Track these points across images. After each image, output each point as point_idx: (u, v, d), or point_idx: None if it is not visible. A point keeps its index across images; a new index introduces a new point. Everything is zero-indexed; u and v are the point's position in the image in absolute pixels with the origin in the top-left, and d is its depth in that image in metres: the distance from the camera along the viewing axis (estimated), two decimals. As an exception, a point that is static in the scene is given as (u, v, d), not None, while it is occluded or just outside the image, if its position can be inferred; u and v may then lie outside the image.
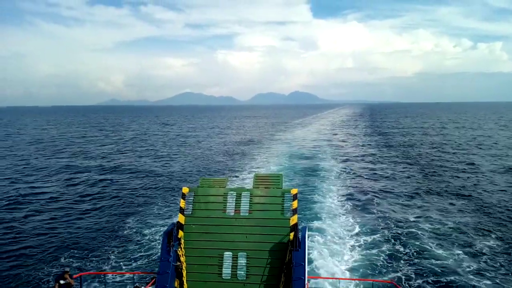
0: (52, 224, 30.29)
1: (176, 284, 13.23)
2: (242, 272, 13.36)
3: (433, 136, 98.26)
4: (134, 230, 28.40)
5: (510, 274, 21.07)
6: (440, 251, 24.10)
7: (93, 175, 49.91)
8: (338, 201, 35.30)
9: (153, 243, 25.40)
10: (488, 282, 20.24)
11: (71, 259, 23.40)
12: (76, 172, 51.79)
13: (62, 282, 14.67)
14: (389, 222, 29.70)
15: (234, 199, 14.47)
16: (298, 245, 12.71)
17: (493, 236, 26.77)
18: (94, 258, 23.47)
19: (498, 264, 22.33)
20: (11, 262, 23.48)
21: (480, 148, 73.36)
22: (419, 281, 20.44)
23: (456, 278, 20.68)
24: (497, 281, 20.34)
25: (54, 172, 52.13)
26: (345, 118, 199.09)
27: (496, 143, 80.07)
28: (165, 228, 16.08)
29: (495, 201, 35.48)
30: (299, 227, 13.56)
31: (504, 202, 35.11)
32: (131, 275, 19.96)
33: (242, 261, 13.48)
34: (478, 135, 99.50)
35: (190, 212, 14.36)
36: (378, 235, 26.71)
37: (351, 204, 34.48)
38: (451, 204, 34.93)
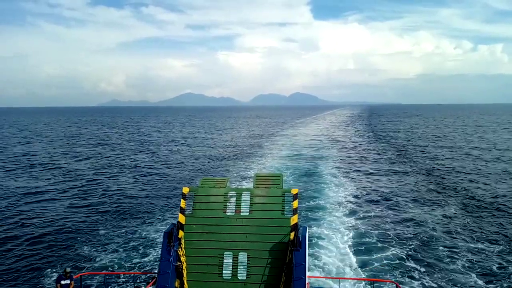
0: (52, 224, 30.24)
1: (176, 284, 13.22)
2: (243, 272, 13.34)
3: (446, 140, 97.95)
4: (135, 230, 28.36)
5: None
6: (445, 253, 23.86)
7: (93, 175, 49.83)
8: (339, 200, 35.21)
9: (153, 243, 25.37)
10: (492, 284, 20.10)
11: (71, 259, 23.36)
12: (76, 172, 51.72)
13: (63, 282, 14.72)
14: (391, 221, 29.63)
15: (235, 199, 14.46)
16: (298, 245, 12.70)
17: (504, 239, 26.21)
18: (94, 258, 23.44)
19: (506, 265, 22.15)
20: (11, 262, 23.43)
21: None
22: (422, 281, 20.23)
23: (461, 278, 20.52)
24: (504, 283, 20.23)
25: (53, 171, 52.12)
26: (345, 118, 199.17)
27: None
28: (166, 228, 16.08)
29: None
30: (300, 227, 13.55)
31: None
32: (132, 275, 19.95)
33: (242, 261, 13.46)
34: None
35: (191, 212, 14.35)
36: (380, 235, 26.61)
37: (352, 203, 34.39)
38: (458, 204, 34.43)
